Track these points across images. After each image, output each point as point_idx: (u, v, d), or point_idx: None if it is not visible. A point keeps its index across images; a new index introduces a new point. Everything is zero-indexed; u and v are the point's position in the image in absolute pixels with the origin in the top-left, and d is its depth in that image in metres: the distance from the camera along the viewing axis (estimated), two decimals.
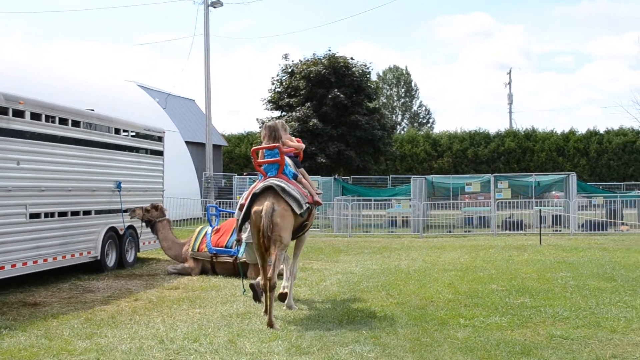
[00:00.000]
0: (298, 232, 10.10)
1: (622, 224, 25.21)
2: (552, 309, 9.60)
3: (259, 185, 9.64)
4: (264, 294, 9.34)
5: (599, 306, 9.86)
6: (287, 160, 9.97)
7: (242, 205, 9.73)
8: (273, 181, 9.47)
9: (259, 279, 9.92)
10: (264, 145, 9.89)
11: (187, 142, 36.70)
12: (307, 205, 9.75)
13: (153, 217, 14.43)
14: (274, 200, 9.26)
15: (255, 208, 9.36)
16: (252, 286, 10.14)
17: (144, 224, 14.66)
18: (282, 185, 9.41)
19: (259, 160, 9.94)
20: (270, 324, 8.68)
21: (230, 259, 13.36)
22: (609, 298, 10.49)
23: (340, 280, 12.79)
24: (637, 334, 8.11)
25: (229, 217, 15.58)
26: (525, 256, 16.63)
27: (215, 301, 10.65)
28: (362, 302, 10.35)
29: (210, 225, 14.22)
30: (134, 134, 15.98)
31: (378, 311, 9.60)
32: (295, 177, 10.08)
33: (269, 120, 11.06)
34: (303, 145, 10.79)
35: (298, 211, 9.41)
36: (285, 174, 9.78)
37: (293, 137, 10.78)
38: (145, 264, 15.82)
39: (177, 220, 26.22)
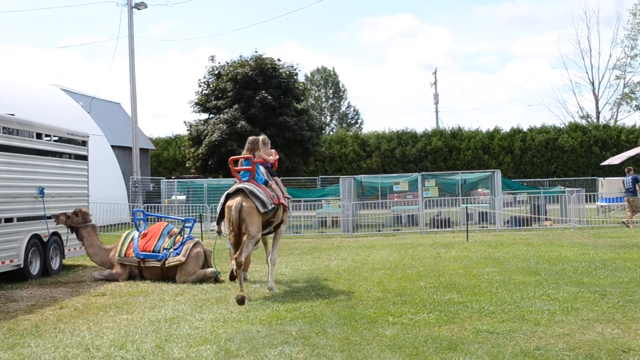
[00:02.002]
0: (266, 227, 11.99)
1: (546, 219, 25.82)
2: (478, 304, 9.76)
3: (233, 188, 11.67)
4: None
5: (524, 300, 10.06)
6: (261, 168, 12.19)
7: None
8: (244, 185, 11.56)
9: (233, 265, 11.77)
10: (242, 155, 12.24)
11: (113, 146, 36.12)
12: (273, 206, 11.71)
13: (74, 222, 14.14)
14: (242, 199, 11.27)
15: (227, 204, 11.39)
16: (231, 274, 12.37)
17: (69, 230, 14.37)
18: (251, 188, 11.44)
19: (235, 168, 12.17)
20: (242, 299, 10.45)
21: (158, 264, 13.18)
22: (533, 292, 10.72)
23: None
24: (560, 326, 8.30)
25: (157, 221, 15.36)
26: (452, 253, 16.88)
27: (143, 307, 10.49)
28: (292, 303, 10.33)
29: (137, 230, 14.01)
30: (56, 138, 15.63)
31: (307, 311, 9.60)
32: (265, 183, 12.11)
33: (253, 135, 12.81)
34: (272, 158, 12.73)
35: (262, 210, 11.34)
36: (256, 179, 11.87)
37: (272, 150, 13.05)
38: (71, 271, 15.49)
39: (104, 226, 25.75)
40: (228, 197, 11.56)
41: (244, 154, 12.17)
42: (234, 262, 11.43)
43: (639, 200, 24.62)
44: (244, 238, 11.21)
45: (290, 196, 13.42)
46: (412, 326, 8.52)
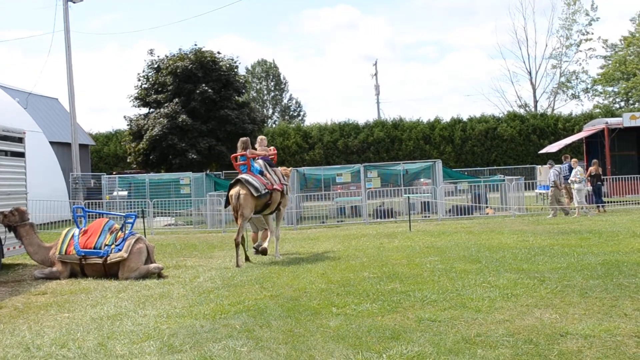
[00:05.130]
0: (264, 209, 15.09)
1: (487, 207, 26.23)
2: (420, 293, 9.87)
3: (235, 179, 14.80)
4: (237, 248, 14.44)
5: (465, 288, 10.21)
6: (260, 161, 15.17)
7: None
8: (242, 176, 14.71)
9: (265, 243, 15.21)
10: (238, 153, 15.19)
11: (51, 142, 35.47)
12: (266, 190, 14.66)
13: (11, 221, 13.88)
14: (240, 187, 14.46)
15: (230, 193, 14.65)
16: (264, 251, 15.14)
17: (6, 229, 14.09)
18: (247, 177, 14.57)
19: (236, 163, 15.26)
20: (237, 265, 14.11)
21: (99, 261, 13.01)
22: (474, 279, 10.88)
23: (214, 276, 12.71)
24: (500, 313, 8.45)
25: (98, 218, 15.15)
26: (395, 243, 17.03)
27: (85, 304, 10.35)
28: (236, 297, 10.31)
29: (78, 227, 13.80)
30: None
31: (252, 305, 9.59)
32: (261, 172, 15.01)
33: (244, 137, 15.66)
34: (264, 153, 15.53)
35: (255, 194, 14.39)
36: (252, 171, 14.94)
37: (271, 148, 16.18)
38: (11, 270, 15.17)
39: (45, 224, 25.34)
40: (231, 187, 14.77)
41: (240, 152, 15.13)
42: (264, 243, 15.18)
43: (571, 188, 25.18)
44: (239, 220, 14.35)
45: (287, 183, 16.03)
46: (355, 316, 8.58)
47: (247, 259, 14.83)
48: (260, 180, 14.74)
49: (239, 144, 15.31)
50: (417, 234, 19.09)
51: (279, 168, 16.11)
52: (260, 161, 15.23)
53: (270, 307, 9.38)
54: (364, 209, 25.47)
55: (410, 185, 28.00)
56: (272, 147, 16.24)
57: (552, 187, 24.66)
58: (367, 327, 7.90)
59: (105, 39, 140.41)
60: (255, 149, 15.55)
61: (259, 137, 16.02)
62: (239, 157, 15.21)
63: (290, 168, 17.98)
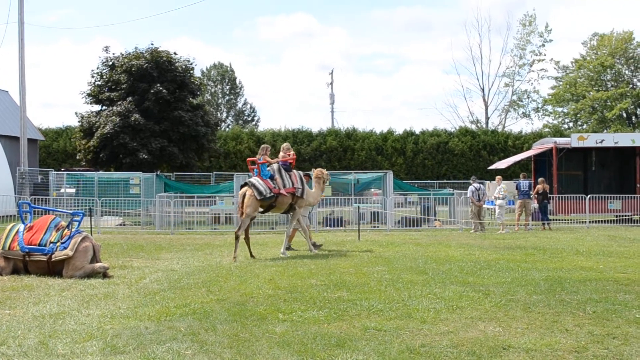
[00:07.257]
0: (269, 209, 16.77)
1: (435, 220, 26.46)
2: (367, 302, 9.90)
3: (245, 181, 16.70)
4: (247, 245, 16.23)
5: (411, 298, 10.27)
6: (274, 165, 16.52)
7: None
8: (251, 179, 16.31)
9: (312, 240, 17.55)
10: (256, 158, 16.66)
11: None
12: (271, 194, 16.03)
13: None
14: (247, 189, 16.00)
15: (240, 192, 16.42)
16: (315, 245, 17.55)
17: None
18: (253, 181, 16.09)
19: (251, 167, 16.90)
20: (234, 258, 15.41)
21: (44, 258, 12.76)
22: (420, 290, 10.96)
23: (161, 277, 12.59)
24: (445, 324, 8.52)
25: (44, 214, 14.89)
26: (344, 252, 17.07)
27: (27, 301, 10.15)
28: (182, 300, 10.22)
29: (23, 223, 13.53)
30: None
31: (198, 308, 9.53)
32: (271, 177, 16.33)
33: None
34: (278, 159, 16.90)
35: (258, 197, 15.86)
36: (262, 175, 16.29)
37: (290, 153, 17.39)
38: None
39: None
40: (241, 187, 16.53)
41: (259, 156, 16.59)
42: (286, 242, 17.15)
43: (531, 204, 25.56)
44: (242, 216, 15.93)
45: (300, 187, 16.83)
46: (301, 323, 8.57)
47: (251, 255, 16.03)
48: (267, 184, 16.09)
49: (259, 150, 16.82)
50: (365, 244, 19.18)
51: (314, 170, 18.32)
52: (275, 166, 16.58)
53: (216, 311, 9.33)
54: (314, 216, 25.48)
55: (360, 195, 28.15)
56: (292, 152, 17.54)
57: (471, 203, 24.93)
58: (313, 334, 7.90)
59: (59, 33, 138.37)
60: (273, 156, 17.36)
61: (284, 144, 17.71)
62: (255, 161, 16.71)
63: (326, 172, 18.61)
